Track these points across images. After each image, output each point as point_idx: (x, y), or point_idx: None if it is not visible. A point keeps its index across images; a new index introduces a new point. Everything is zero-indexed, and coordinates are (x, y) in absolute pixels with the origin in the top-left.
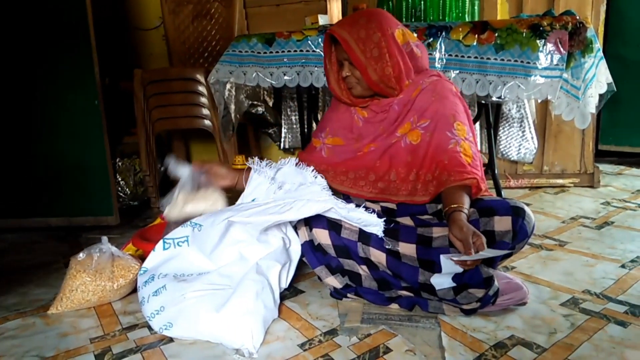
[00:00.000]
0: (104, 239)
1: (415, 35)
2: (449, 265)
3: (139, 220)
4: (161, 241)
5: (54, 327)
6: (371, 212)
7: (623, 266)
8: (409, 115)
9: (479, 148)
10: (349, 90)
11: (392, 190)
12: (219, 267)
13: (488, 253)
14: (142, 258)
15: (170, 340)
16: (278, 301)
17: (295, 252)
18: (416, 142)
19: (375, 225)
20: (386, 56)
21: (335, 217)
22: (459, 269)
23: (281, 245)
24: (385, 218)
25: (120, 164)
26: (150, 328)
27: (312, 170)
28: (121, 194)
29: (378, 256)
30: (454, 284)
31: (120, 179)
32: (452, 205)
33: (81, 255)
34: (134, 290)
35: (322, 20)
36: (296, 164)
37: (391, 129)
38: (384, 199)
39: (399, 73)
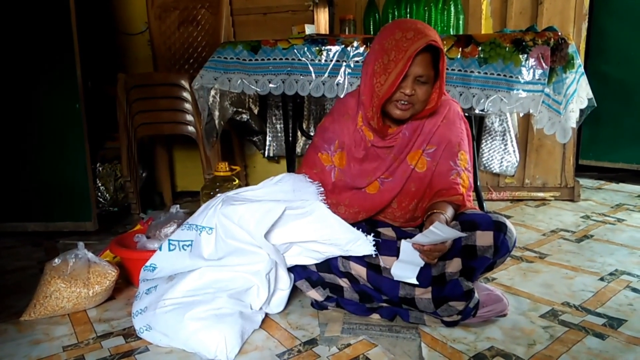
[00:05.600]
0: (80, 244)
1: None
2: (409, 251)
3: (119, 227)
4: (166, 241)
5: (26, 334)
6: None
7: (602, 279)
8: (419, 141)
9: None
10: (395, 111)
11: (387, 216)
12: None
13: (440, 231)
14: (119, 265)
15: (146, 349)
16: (259, 311)
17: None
18: (422, 171)
19: (364, 242)
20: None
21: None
22: (420, 261)
23: (268, 263)
24: (374, 237)
25: (100, 169)
26: (125, 337)
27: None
28: (101, 200)
29: (358, 270)
30: (417, 283)
31: (100, 184)
32: (434, 210)
33: (56, 260)
34: (110, 297)
35: (308, 29)
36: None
37: (402, 156)
38: (378, 219)
39: None
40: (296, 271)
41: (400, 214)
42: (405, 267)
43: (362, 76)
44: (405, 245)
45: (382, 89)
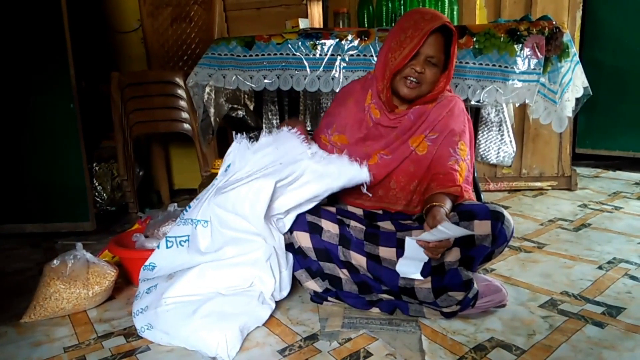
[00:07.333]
0: (79, 245)
1: None
2: (413, 248)
3: (117, 226)
4: (164, 239)
5: (27, 336)
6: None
7: (600, 267)
8: (423, 127)
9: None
10: (403, 88)
11: (390, 199)
12: (207, 260)
13: (447, 230)
14: (118, 264)
15: (147, 348)
16: (269, 301)
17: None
18: (422, 154)
19: (358, 172)
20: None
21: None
22: (424, 257)
23: (266, 250)
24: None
25: (97, 168)
26: (126, 336)
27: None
28: (98, 199)
29: (359, 260)
30: (422, 278)
31: (97, 184)
32: (434, 203)
33: (55, 262)
34: (110, 297)
35: (302, 23)
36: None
37: (404, 137)
38: (381, 208)
39: None
40: (296, 261)
41: (402, 195)
42: (409, 263)
43: (378, 55)
44: (410, 242)
45: (395, 62)
